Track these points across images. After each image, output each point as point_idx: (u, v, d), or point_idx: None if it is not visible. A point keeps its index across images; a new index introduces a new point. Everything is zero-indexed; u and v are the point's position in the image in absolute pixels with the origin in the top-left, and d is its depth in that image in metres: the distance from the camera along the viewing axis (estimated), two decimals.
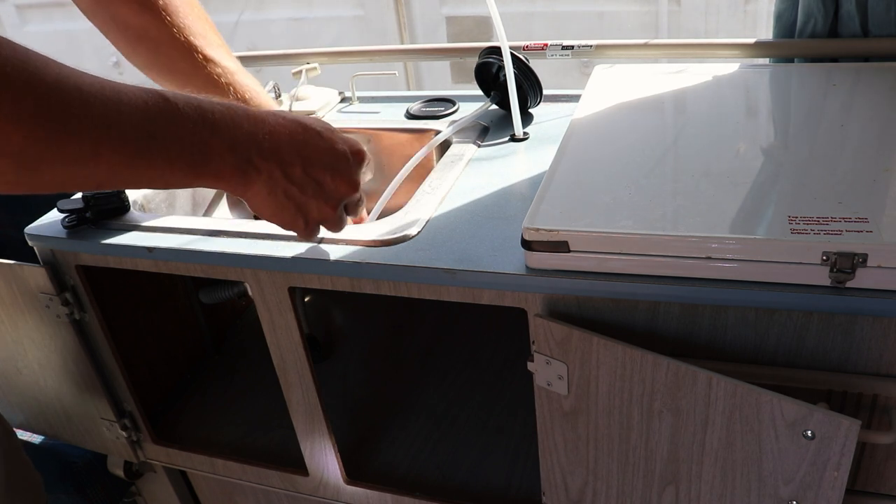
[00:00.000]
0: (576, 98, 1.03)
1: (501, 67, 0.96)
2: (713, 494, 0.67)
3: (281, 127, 0.65)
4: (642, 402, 0.66)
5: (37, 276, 0.90)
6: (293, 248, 0.79)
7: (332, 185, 0.68)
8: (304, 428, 0.92)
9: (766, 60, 1.04)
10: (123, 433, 1.03)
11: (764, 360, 0.66)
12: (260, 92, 0.88)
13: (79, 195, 0.90)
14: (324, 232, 0.74)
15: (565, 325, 0.66)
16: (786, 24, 1.01)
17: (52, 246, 0.89)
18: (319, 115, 1.15)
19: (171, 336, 1.16)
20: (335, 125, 0.72)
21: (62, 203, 0.89)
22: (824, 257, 0.59)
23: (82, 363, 0.97)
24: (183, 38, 0.83)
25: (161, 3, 0.82)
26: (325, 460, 0.94)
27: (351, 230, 0.77)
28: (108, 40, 0.86)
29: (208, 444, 1.06)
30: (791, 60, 1.02)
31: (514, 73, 0.94)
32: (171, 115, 0.56)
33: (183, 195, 1.06)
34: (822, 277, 0.60)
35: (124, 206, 0.90)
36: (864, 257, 0.58)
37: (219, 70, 0.84)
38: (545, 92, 1.00)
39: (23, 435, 1.18)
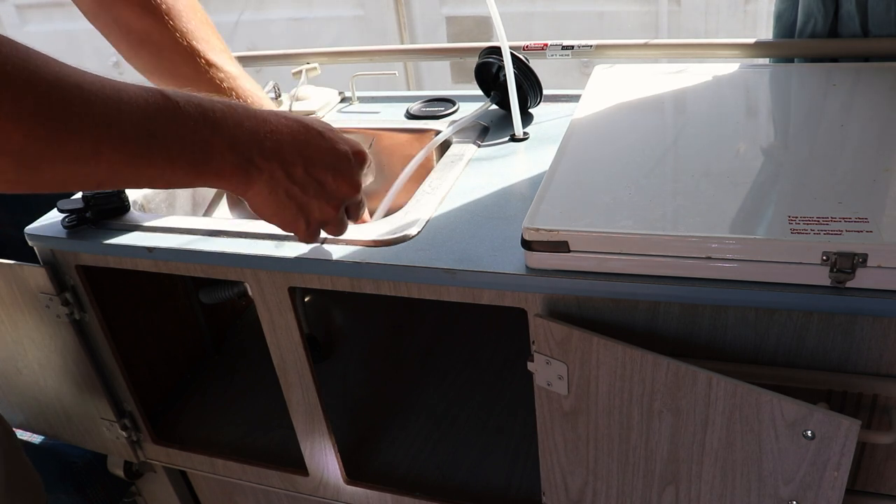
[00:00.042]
0: (576, 98, 1.03)
1: (501, 67, 0.96)
2: (713, 494, 0.67)
3: (283, 126, 0.65)
4: (642, 402, 0.66)
5: (37, 276, 0.90)
6: (293, 248, 0.79)
7: (334, 185, 0.68)
8: (304, 428, 0.92)
9: (766, 60, 1.04)
10: (123, 433, 1.03)
11: (764, 360, 0.66)
12: (262, 97, 0.88)
13: (79, 195, 0.90)
14: (324, 234, 0.74)
15: (565, 325, 0.66)
16: (786, 24, 1.01)
17: (52, 246, 0.89)
18: (319, 115, 1.15)
19: (171, 336, 1.16)
20: (335, 125, 0.72)
21: (62, 203, 0.90)
22: (824, 257, 0.59)
23: (82, 363, 0.97)
24: (185, 43, 0.83)
25: (164, 7, 0.82)
26: (325, 460, 0.94)
27: (351, 230, 0.77)
28: (110, 43, 0.86)
29: (208, 444, 1.06)
30: (791, 60, 1.02)
31: (514, 72, 0.94)
32: (171, 113, 0.56)
33: (183, 195, 1.06)
34: (822, 277, 0.60)
35: (124, 206, 0.90)
36: (864, 257, 0.58)
37: (221, 75, 0.84)
38: (545, 92, 1.00)
39: (23, 435, 1.18)
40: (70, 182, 0.54)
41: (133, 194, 0.95)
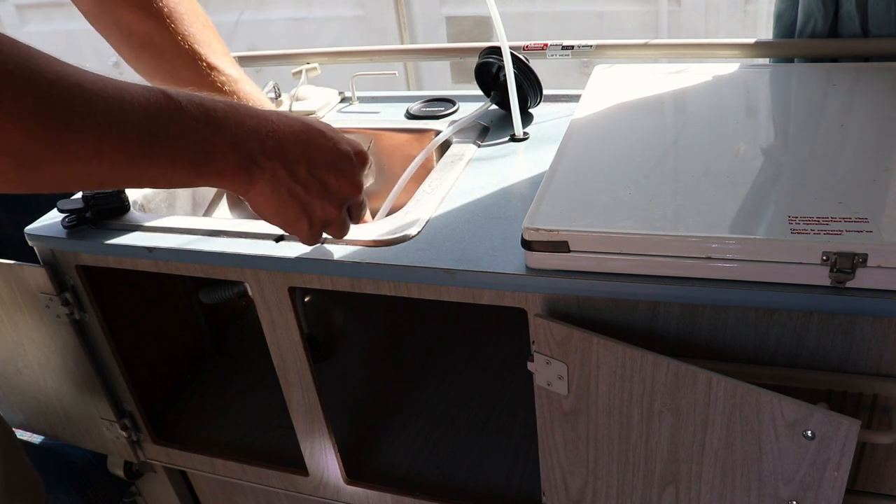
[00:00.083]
0: (576, 98, 1.03)
1: (501, 67, 0.96)
2: (713, 494, 0.67)
3: (285, 126, 0.64)
4: (642, 402, 0.66)
5: (37, 276, 0.90)
6: (293, 248, 0.79)
7: (336, 185, 0.68)
8: (304, 428, 0.92)
9: (766, 60, 1.04)
10: (123, 433, 1.03)
11: (764, 360, 0.66)
12: (263, 100, 0.88)
13: (79, 195, 0.90)
14: (325, 235, 0.74)
15: (565, 325, 0.66)
16: (786, 24, 1.01)
17: (52, 246, 0.89)
18: (319, 115, 1.15)
19: (171, 336, 1.16)
20: (335, 125, 0.72)
21: (62, 203, 0.90)
22: (824, 257, 0.59)
23: (82, 363, 0.97)
24: (187, 46, 0.83)
25: (166, 10, 0.82)
26: (325, 460, 0.94)
27: (352, 230, 0.77)
28: (111, 46, 0.85)
29: (208, 444, 1.06)
30: (791, 60, 1.02)
31: (514, 72, 0.94)
32: (173, 113, 0.56)
33: (183, 195, 1.06)
34: (822, 277, 0.60)
35: (124, 206, 0.90)
36: (864, 257, 0.58)
37: (223, 78, 0.84)
38: (545, 92, 1.00)
39: (23, 435, 1.18)
40: (71, 182, 0.54)
41: (133, 194, 0.95)
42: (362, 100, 1.19)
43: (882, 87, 0.86)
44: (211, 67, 0.84)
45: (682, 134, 0.82)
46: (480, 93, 1.07)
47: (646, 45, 1.07)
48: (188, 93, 0.58)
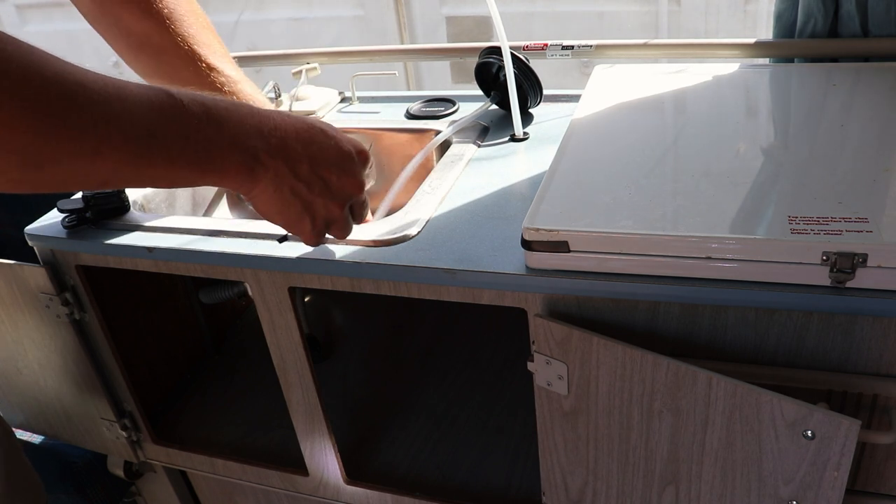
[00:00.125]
0: (576, 98, 1.03)
1: (501, 67, 0.96)
2: (713, 494, 0.67)
3: (286, 124, 0.65)
4: (642, 402, 0.66)
5: (37, 276, 0.90)
6: (293, 248, 0.79)
7: (339, 183, 0.68)
8: (304, 428, 0.92)
9: (766, 60, 1.04)
10: (123, 433, 1.03)
11: (764, 360, 0.66)
12: (263, 101, 0.88)
13: (79, 195, 0.90)
14: (328, 237, 0.74)
15: (565, 325, 0.66)
16: (786, 24, 1.01)
17: (52, 246, 0.89)
18: (319, 115, 1.15)
19: (171, 336, 1.16)
20: (335, 125, 0.72)
21: (62, 203, 0.90)
22: (824, 257, 0.59)
23: (82, 363, 0.97)
24: (186, 47, 0.83)
25: (165, 11, 0.82)
26: (325, 460, 0.94)
27: (353, 230, 0.77)
28: (111, 46, 0.85)
29: (208, 444, 1.06)
30: (791, 60, 1.02)
31: (514, 72, 0.94)
32: (175, 111, 0.56)
33: (183, 195, 1.06)
34: (822, 277, 0.60)
35: (124, 206, 0.90)
36: (864, 257, 0.58)
37: (222, 79, 0.84)
38: (545, 92, 1.00)
39: (23, 435, 1.18)
40: (74, 180, 0.54)
41: (133, 194, 0.95)
42: (362, 100, 1.19)
43: (882, 87, 0.86)
44: (210, 68, 0.84)
45: (682, 134, 0.82)
46: (480, 93, 1.07)
47: (646, 45, 1.07)
48: (190, 92, 0.58)
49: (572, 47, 1.08)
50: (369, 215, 0.85)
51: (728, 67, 0.96)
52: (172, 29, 0.82)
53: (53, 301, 0.91)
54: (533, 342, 0.70)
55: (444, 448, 1.00)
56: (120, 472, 1.14)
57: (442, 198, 0.84)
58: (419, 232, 0.78)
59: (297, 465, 0.97)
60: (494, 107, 1.03)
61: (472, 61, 1.05)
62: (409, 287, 0.75)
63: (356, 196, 0.70)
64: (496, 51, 0.97)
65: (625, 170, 0.74)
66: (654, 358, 0.62)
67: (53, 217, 0.91)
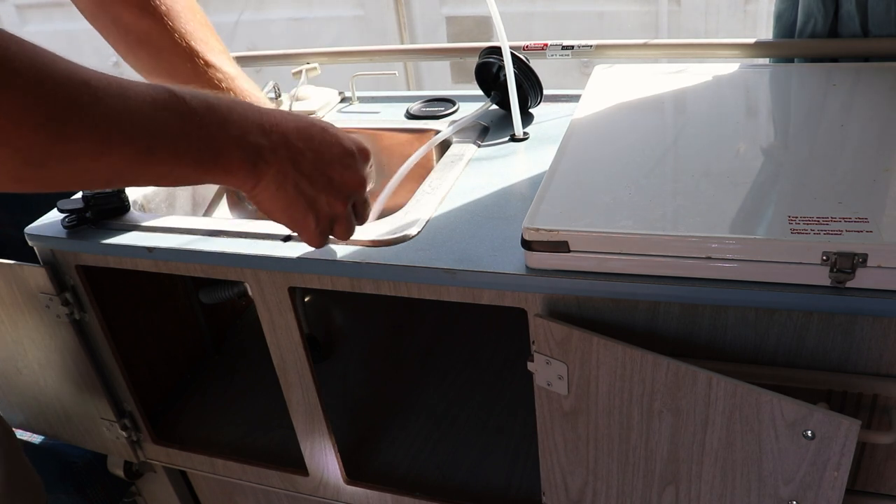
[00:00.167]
0: (576, 98, 1.03)
1: (502, 67, 0.96)
2: (713, 494, 0.67)
3: (287, 121, 0.65)
4: (642, 402, 0.66)
5: (37, 276, 0.90)
6: (293, 248, 0.79)
7: (342, 179, 0.68)
8: (304, 428, 0.92)
9: (766, 60, 1.04)
10: (123, 433, 1.03)
11: (764, 360, 0.66)
12: (260, 98, 0.89)
13: (79, 195, 0.90)
14: (331, 239, 0.74)
15: (565, 325, 0.66)
16: (786, 24, 1.01)
17: (52, 246, 0.89)
18: (319, 115, 1.15)
19: (171, 336, 1.16)
20: (336, 125, 0.72)
21: (62, 203, 0.90)
22: (824, 257, 0.59)
23: (82, 363, 0.97)
24: (184, 44, 0.83)
25: (163, 8, 0.82)
26: (325, 460, 0.94)
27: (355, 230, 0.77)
28: (109, 44, 0.86)
29: (208, 444, 1.06)
30: (791, 60, 1.02)
31: (515, 72, 0.94)
32: (178, 109, 0.56)
33: (183, 195, 1.06)
34: (822, 277, 0.60)
35: (124, 206, 0.90)
36: (864, 257, 0.58)
37: (220, 75, 0.84)
38: (545, 92, 1.00)
39: (23, 435, 1.18)
40: (78, 179, 0.54)
41: (133, 194, 0.95)
42: (362, 100, 1.19)
43: (882, 87, 0.86)
44: (208, 64, 0.84)
45: (682, 134, 0.82)
46: (480, 93, 1.07)
47: (646, 45, 1.07)
48: (192, 90, 0.58)
49: (572, 47, 1.08)
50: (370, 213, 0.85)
51: (728, 67, 0.96)
52: (170, 26, 0.82)
53: (53, 301, 0.91)
54: (533, 342, 0.70)
55: (444, 448, 1.00)
56: (120, 472, 1.14)
57: (442, 198, 0.84)
58: (419, 232, 0.78)
59: (297, 465, 0.97)
60: (494, 107, 1.03)
61: (472, 61, 1.05)
62: (409, 287, 0.75)
63: (359, 192, 0.70)
64: (496, 51, 0.97)
65: (625, 170, 0.74)
66: (654, 358, 0.62)
67: (53, 217, 0.91)
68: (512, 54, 0.94)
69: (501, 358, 1.14)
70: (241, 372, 1.19)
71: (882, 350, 0.62)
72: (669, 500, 0.70)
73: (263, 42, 3.27)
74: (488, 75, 1.04)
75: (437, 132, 1.01)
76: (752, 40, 1.01)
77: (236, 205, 1.10)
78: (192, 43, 0.83)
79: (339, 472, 0.94)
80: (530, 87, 0.98)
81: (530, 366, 0.71)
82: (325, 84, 1.21)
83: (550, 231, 0.66)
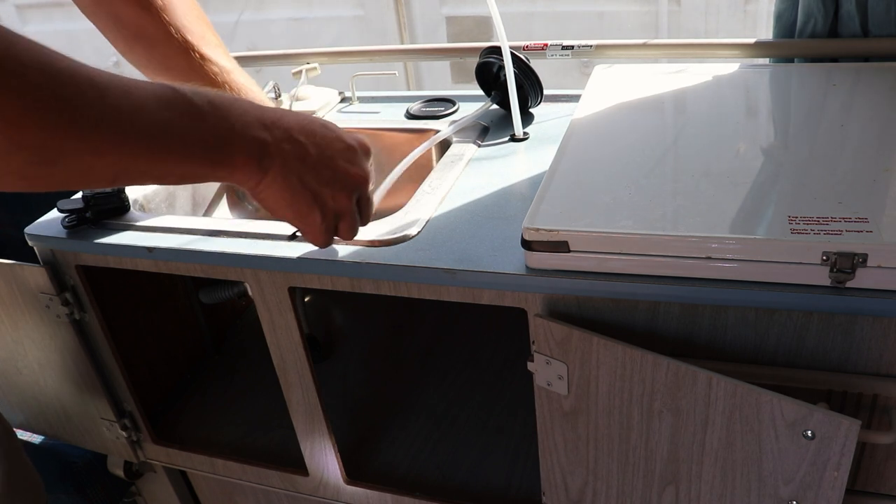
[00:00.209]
0: (576, 98, 1.03)
1: (502, 67, 0.96)
2: (713, 494, 0.67)
3: (288, 117, 0.65)
4: (642, 402, 0.66)
5: (37, 276, 0.90)
6: (293, 248, 0.79)
7: (346, 173, 0.68)
8: (304, 428, 0.92)
9: (766, 60, 1.04)
10: (123, 433, 1.03)
11: (764, 360, 0.66)
12: (256, 91, 0.89)
13: (79, 195, 0.90)
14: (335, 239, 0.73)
15: (565, 325, 0.66)
16: (786, 24, 1.01)
17: (52, 246, 0.89)
18: (319, 115, 1.15)
19: (171, 336, 1.16)
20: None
21: (62, 203, 0.90)
22: (824, 257, 0.59)
23: (82, 363, 0.97)
24: (180, 37, 0.83)
25: (160, 2, 0.82)
26: (325, 460, 0.94)
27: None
28: (107, 39, 0.86)
29: (208, 444, 1.06)
30: (791, 60, 1.02)
31: (515, 72, 0.94)
32: (182, 105, 0.57)
33: (183, 195, 1.06)
34: (822, 277, 0.60)
35: (124, 206, 0.90)
36: (864, 257, 0.58)
37: (215, 69, 0.84)
38: (545, 92, 1.00)
39: (23, 435, 1.18)
40: (84, 177, 0.54)
41: (133, 194, 0.95)
42: (362, 100, 1.19)
43: (882, 87, 0.86)
44: (204, 58, 0.84)
45: (682, 134, 0.82)
46: (481, 93, 1.07)
47: (646, 45, 1.07)
48: (193, 87, 0.59)
49: (572, 47, 1.08)
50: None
51: (728, 67, 0.96)
52: (166, 20, 0.82)
53: (53, 301, 0.91)
54: (533, 342, 0.70)
55: (444, 448, 1.00)
56: (120, 472, 1.14)
57: (442, 198, 0.84)
58: (419, 232, 0.78)
59: (297, 465, 0.97)
60: (495, 107, 1.03)
61: (472, 61, 1.05)
62: (409, 287, 0.75)
63: (362, 187, 0.70)
64: (497, 50, 0.97)
65: (625, 170, 0.74)
66: (654, 358, 0.62)
67: (53, 217, 0.91)
68: (512, 54, 0.94)
69: (501, 358, 1.14)
70: (241, 372, 1.19)
71: (882, 350, 0.62)
72: (669, 500, 0.70)
73: (263, 42, 3.27)
74: (489, 75, 1.04)
75: (437, 132, 1.01)
76: (752, 40, 1.01)
77: (236, 205, 1.10)
78: (188, 36, 0.84)
79: (339, 472, 0.94)
80: (530, 87, 0.98)
81: (530, 366, 0.71)
82: (325, 84, 1.21)
83: (550, 231, 0.65)
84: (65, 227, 0.88)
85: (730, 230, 0.63)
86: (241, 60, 0.92)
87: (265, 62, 1.27)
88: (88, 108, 0.50)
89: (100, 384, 0.99)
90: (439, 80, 3.13)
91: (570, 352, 0.67)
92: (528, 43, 1.10)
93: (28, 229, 0.90)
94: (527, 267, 0.69)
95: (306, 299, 1.30)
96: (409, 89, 2.89)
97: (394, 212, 0.83)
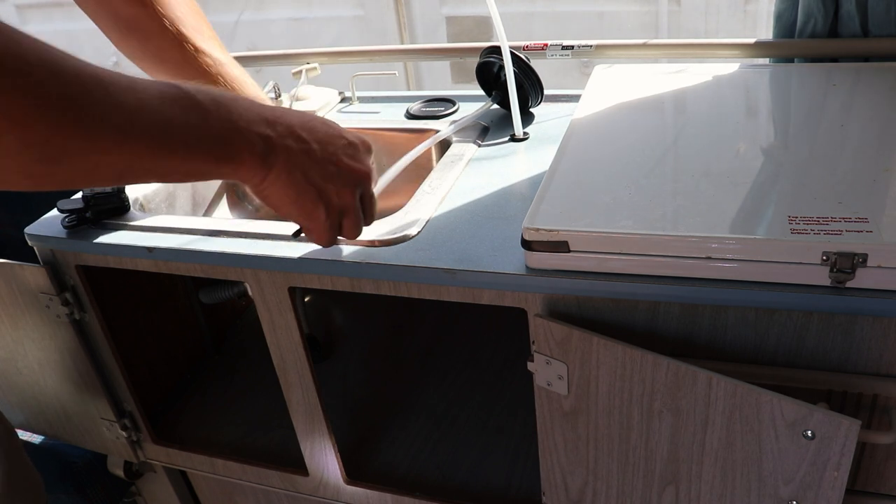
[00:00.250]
0: (576, 98, 1.03)
1: (502, 67, 0.96)
2: (713, 494, 0.67)
3: (289, 114, 0.65)
4: (642, 402, 0.66)
5: (37, 276, 0.90)
6: (293, 248, 0.79)
7: (349, 168, 0.68)
8: (304, 428, 0.92)
9: (766, 60, 1.04)
10: (123, 433, 1.03)
11: (764, 360, 0.66)
12: (249, 83, 0.89)
13: (79, 195, 0.90)
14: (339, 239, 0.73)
15: (565, 325, 0.66)
16: (786, 24, 1.01)
17: (52, 246, 0.89)
18: (320, 115, 1.15)
19: (171, 336, 1.16)
20: None
21: (62, 203, 0.90)
22: (824, 257, 0.59)
23: (82, 363, 0.97)
24: (174, 29, 0.83)
25: None
26: (325, 460, 0.94)
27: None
28: (101, 30, 0.86)
29: (208, 444, 1.06)
30: (791, 60, 1.02)
31: (515, 72, 0.94)
32: (187, 103, 0.57)
33: (183, 195, 1.06)
34: (822, 277, 0.60)
35: (124, 205, 0.90)
36: (864, 257, 0.58)
37: (209, 60, 0.85)
38: (545, 92, 1.00)
39: (23, 435, 1.18)
40: (89, 175, 0.54)
41: (133, 194, 0.95)
42: (362, 100, 1.19)
43: (882, 87, 0.86)
44: (197, 50, 0.84)
45: (682, 134, 0.82)
46: (481, 92, 1.07)
47: (646, 45, 1.07)
48: (196, 85, 0.59)
49: (572, 47, 1.08)
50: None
51: (728, 67, 0.96)
52: (160, 12, 0.83)
53: (53, 301, 0.91)
54: (533, 342, 0.70)
55: (444, 448, 1.00)
56: (120, 472, 1.14)
57: (442, 198, 0.84)
58: (419, 232, 0.78)
59: (297, 465, 0.97)
60: (495, 106, 1.03)
61: (473, 61, 1.05)
62: (409, 287, 0.75)
63: (366, 182, 0.70)
64: (497, 50, 0.97)
65: (625, 170, 0.74)
66: (654, 358, 0.62)
67: (53, 217, 0.91)
68: (512, 54, 0.94)
69: (501, 358, 1.14)
70: (241, 372, 1.19)
71: (882, 350, 0.62)
72: (669, 500, 0.70)
73: (263, 42, 3.27)
74: (489, 75, 1.04)
75: (437, 132, 1.01)
76: (752, 40, 1.01)
77: (236, 205, 1.10)
78: (182, 28, 0.84)
79: (339, 472, 0.94)
80: (531, 87, 0.98)
81: (530, 366, 0.71)
82: (325, 84, 1.21)
83: (550, 231, 0.65)
84: (65, 227, 0.88)
85: (730, 230, 0.63)
86: (242, 60, 0.92)
87: (265, 62, 1.27)
88: (93, 106, 0.50)
89: (100, 384, 0.99)
90: (439, 80, 3.13)
91: (570, 352, 0.67)
92: (528, 43, 1.10)
93: (28, 229, 0.90)
94: (527, 267, 0.69)
95: (306, 299, 1.30)
96: (409, 89, 2.89)
97: (394, 212, 0.83)
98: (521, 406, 1.05)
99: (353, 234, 0.72)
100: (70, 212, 0.88)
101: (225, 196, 1.11)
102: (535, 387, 0.72)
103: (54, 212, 0.91)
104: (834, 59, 0.97)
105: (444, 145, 0.98)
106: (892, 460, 0.69)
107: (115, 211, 0.89)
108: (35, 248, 0.91)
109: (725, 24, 2.70)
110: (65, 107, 0.49)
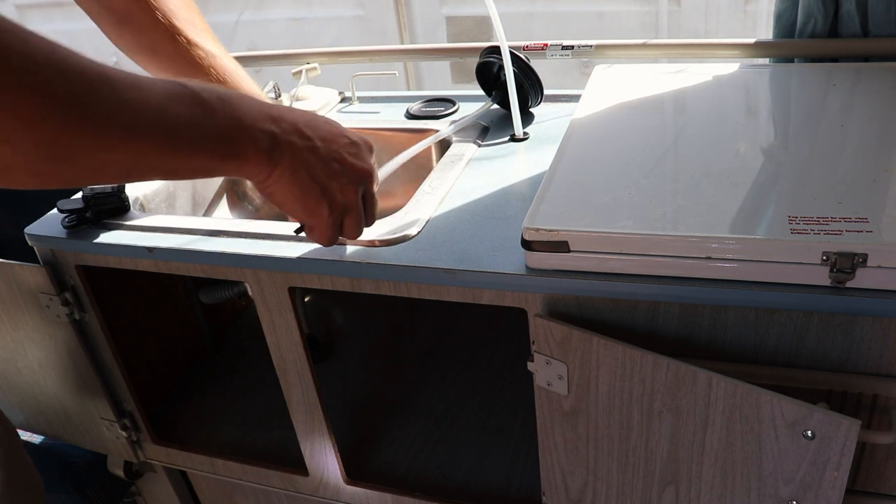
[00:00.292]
0: (576, 98, 1.03)
1: (502, 67, 0.96)
2: (713, 494, 0.67)
3: (291, 112, 0.66)
4: (642, 402, 0.66)
5: (37, 276, 0.90)
6: (293, 248, 0.79)
7: (352, 166, 0.68)
8: (304, 428, 0.92)
9: (766, 60, 1.04)
10: (123, 433, 1.03)
11: (764, 360, 0.66)
12: (242, 75, 0.89)
13: (79, 195, 0.90)
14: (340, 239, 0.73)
15: (565, 325, 0.66)
16: (786, 24, 1.01)
17: (52, 246, 0.89)
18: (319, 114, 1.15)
19: (171, 336, 1.16)
20: None
21: (62, 203, 0.90)
22: (824, 257, 0.59)
23: (82, 363, 0.97)
24: (167, 22, 0.83)
25: None
26: (325, 460, 0.94)
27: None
28: (94, 23, 0.86)
29: (208, 444, 1.06)
30: (791, 60, 1.02)
31: (515, 72, 0.94)
32: (192, 100, 0.57)
33: (183, 195, 1.06)
34: (822, 277, 0.60)
35: (124, 205, 0.90)
36: (864, 257, 0.58)
37: (202, 53, 0.85)
38: (545, 92, 1.00)
39: (23, 435, 1.17)
40: (97, 173, 0.54)
41: (133, 194, 0.95)
42: (362, 100, 1.19)
43: (882, 87, 0.86)
44: (190, 43, 0.84)
45: (682, 134, 0.82)
46: (481, 92, 1.07)
47: (646, 45, 1.07)
48: (200, 83, 0.59)
49: (572, 47, 1.08)
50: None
51: (728, 67, 0.96)
52: (153, 4, 0.83)
53: (53, 301, 0.91)
54: (533, 342, 0.70)
55: (444, 448, 1.00)
56: (120, 472, 1.14)
57: (442, 198, 0.84)
58: (419, 232, 0.78)
59: (297, 465, 0.97)
60: (495, 106, 1.03)
61: (473, 61, 1.05)
62: (409, 287, 0.75)
63: (368, 181, 0.70)
64: (497, 50, 0.97)
65: (625, 170, 0.74)
66: (654, 358, 0.62)
67: (53, 217, 0.91)
68: (512, 54, 0.94)
69: (501, 358, 1.14)
70: (241, 372, 1.19)
71: (882, 350, 0.62)
72: (669, 500, 0.70)
73: (263, 42, 3.27)
74: (489, 75, 1.04)
75: (437, 132, 1.01)
76: (752, 40, 1.01)
77: (236, 205, 1.10)
78: (175, 21, 0.84)
79: (339, 472, 0.94)
80: (531, 87, 0.98)
81: (530, 366, 0.71)
82: (325, 84, 1.21)
83: (550, 231, 0.65)
84: (65, 226, 0.88)
85: (730, 230, 0.63)
86: (242, 60, 0.92)
87: (265, 62, 1.27)
88: (100, 104, 0.50)
89: (100, 384, 0.99)
90: (439, 80, 3.13)
91: (570, 352, 0.67)
92: (528, 43, 1.10)
93: (28, 229, 0.90)
94: (527, 267, 0.69)
95: (306, 299, 1.30)
96: (409, 89, 2.89)
97: (394, 212, 0.83)
98: (521, 406, 1.05)
99: (355, 234, 0.72)
100: (70, 212, 0.88)
101: (225, 196, 1.11)
102: (535, 387, 0.72)
103: (54, 212, 0.91)
104: (834, 59, 0.97)
105: (444, 145, 0.98)
106: (892, 460, 0.69)
107: (115, 211, 0.89)
108: (35, 248, 0.91)
109: (725, 24, 2.70)
110: (71, 105, 0.49)
